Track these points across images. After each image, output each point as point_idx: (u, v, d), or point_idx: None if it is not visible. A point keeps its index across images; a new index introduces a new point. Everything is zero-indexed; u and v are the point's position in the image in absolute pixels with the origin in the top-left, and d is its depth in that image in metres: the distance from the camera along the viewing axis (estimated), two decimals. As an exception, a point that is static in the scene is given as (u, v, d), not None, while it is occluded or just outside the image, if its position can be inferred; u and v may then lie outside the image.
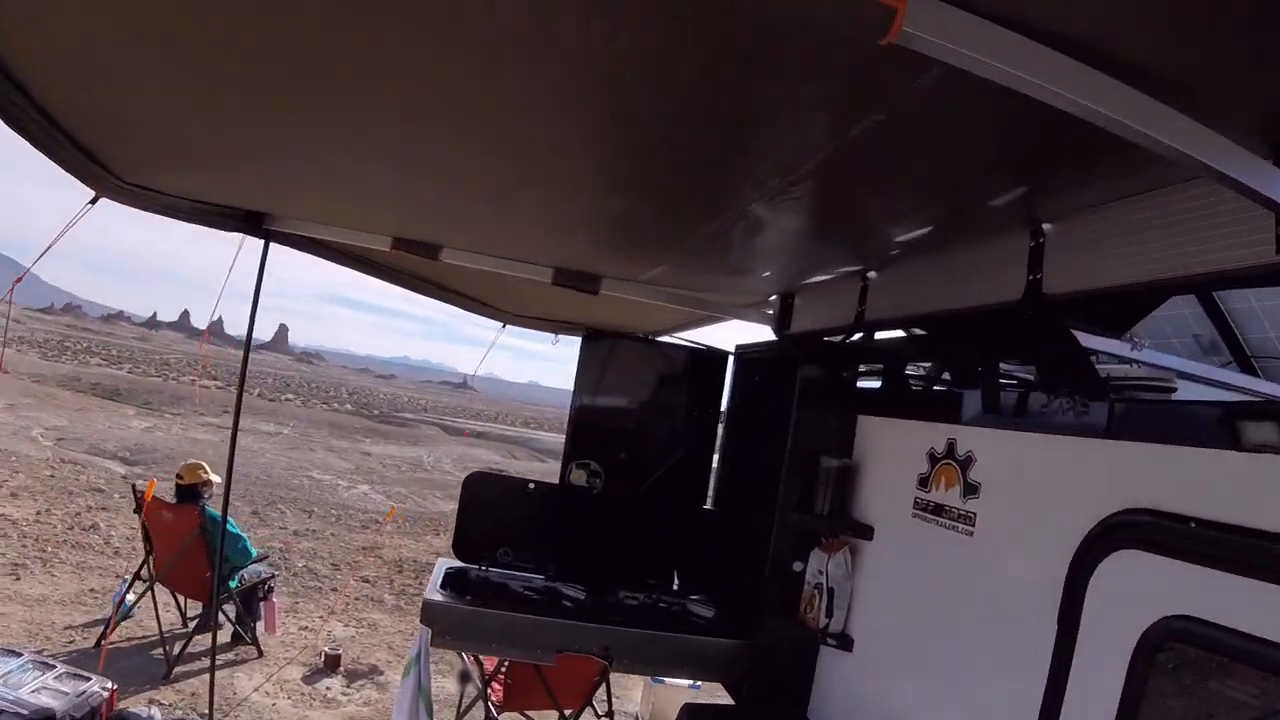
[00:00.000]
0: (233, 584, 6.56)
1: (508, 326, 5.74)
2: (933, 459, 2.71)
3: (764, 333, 4.18)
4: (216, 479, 6.72)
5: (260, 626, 6.90)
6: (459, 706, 5.07)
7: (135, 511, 6.54)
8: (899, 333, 3.34)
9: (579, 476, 4.42)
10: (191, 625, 6.70)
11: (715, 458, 4.54)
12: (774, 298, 4.21)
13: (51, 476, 13.00)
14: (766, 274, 3.74)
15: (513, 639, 3.46)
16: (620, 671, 3.61)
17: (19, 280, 3.91)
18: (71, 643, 6.40)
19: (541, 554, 4.02)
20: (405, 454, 27.60)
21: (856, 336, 3.39)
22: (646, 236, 3.16)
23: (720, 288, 4.18)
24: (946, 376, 3.19)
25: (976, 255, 2.59)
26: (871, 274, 3.26)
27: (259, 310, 4.04)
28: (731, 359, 4.43)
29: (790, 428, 3.28)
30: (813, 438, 3.25)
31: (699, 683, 4.97)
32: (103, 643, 6.26)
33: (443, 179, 2.78)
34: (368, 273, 4.50)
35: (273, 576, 7.17)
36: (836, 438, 3.24)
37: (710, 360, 4.57)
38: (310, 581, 9.74)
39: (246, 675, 6.44)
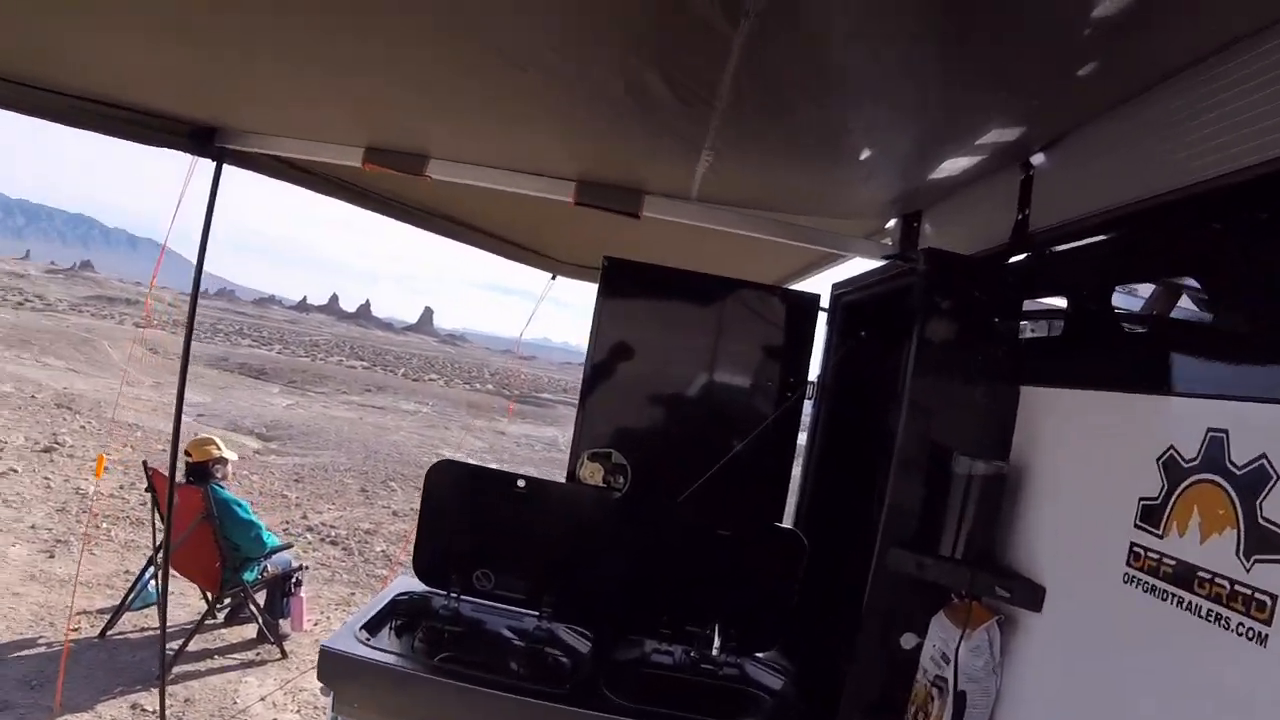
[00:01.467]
0: (249, 576, 5.80)
1: (558, 278, 4.86)
2: (1172, 471, 1.41)
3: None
4: (232, 456, 6.14)
5: (286, 624, 6.15)
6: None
7: (147, 490, 5.97)
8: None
9: (593, 472, 3.17)
10: (221, 617, 6.11)
11: (800, 450, 3.23)
12: (892, 222, 2.99)
13: (164, 450, 12.57)
14: (881, 179, 2.56)
15: (445, 721, 2.33)
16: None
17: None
18: (76, 630, 5.75)
19: (536, 581, 2.85)
20: (541, 434, 27.78)
21: (1015, 260, 2.12)
22: (705, 119, 2.09)
23: (814, 204, 2.99)
24: (1193, 311, 1.86)
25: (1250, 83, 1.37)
26: (1039, 157, 2.05)
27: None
28: (826, 304, 3.13)
29: (904, 404, 2.01)
30: (941, 423, 1.98)
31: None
32: (106, 633, 5.66)
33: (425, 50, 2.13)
34: (347, 199, 3.80)
35: (301, 569, 6.38)
36: (983, 424, 1.95)
37: (793, 306, 3.21)
38: (380, 569, 9.03)
39: (258, 680, 5.62)
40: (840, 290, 3.00)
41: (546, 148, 2.80)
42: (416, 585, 2.92)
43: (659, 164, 2.70)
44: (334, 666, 2.35)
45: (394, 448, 18.75)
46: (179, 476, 5.81)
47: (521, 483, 2.87)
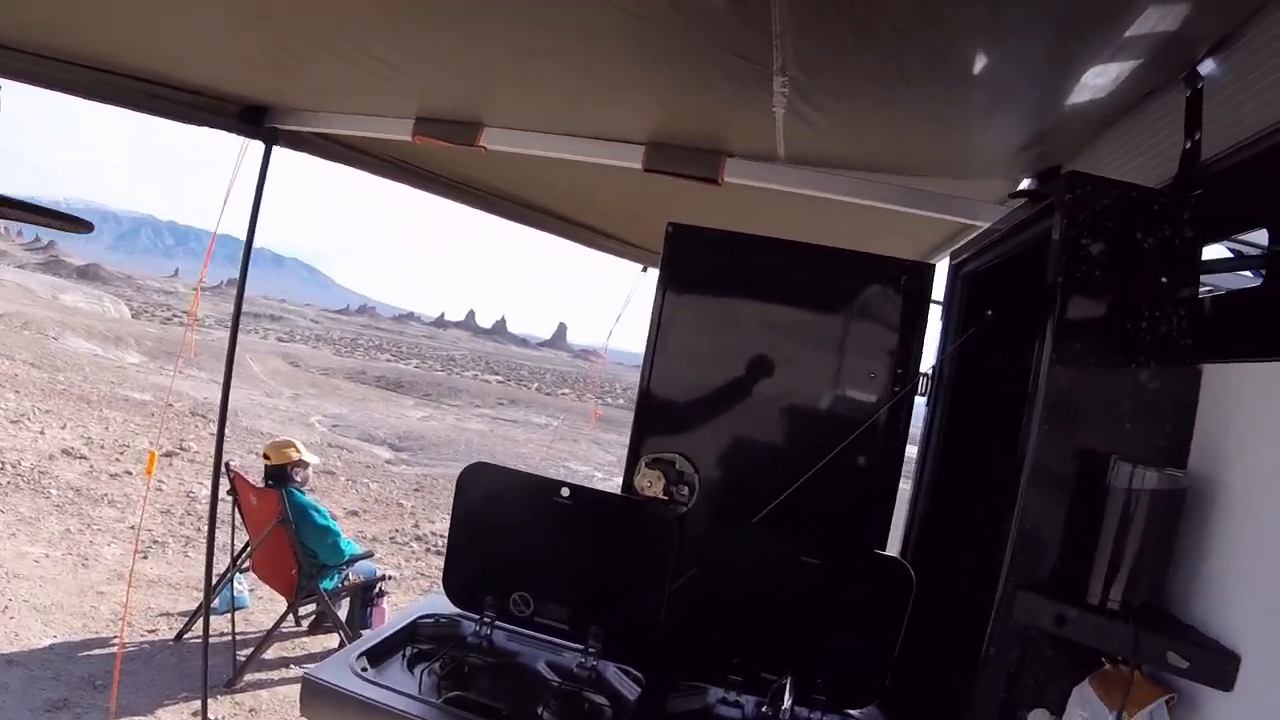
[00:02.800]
0: (328, 584, 5.63)
1: (649, 270, 4.53)
2: None
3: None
4: (314, 459, 5.99)
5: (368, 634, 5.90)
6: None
7: (229, 494, 5.83)
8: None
9: (651, 482, 2.66)
10: (305, 624, 6.04)
11: (911, 461, 2.67)
12: (1027, 182, 2.48)
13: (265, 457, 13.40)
14: (1010, 117, 2.12)
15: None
16: None
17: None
18: (153, 632, 5.73)
19: (582, 609, 2.42)
20: None
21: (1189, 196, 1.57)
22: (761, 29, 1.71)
23: (926, 162, 2.56)
24: None
25: None
26: (1208, 65, 1.55)
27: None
28: (945, 276, 2.57)
29: (1039, 394, 1.50)
30: (1093, 419, 1.47)
31: None
32: (182, 636, 5.61)
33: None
34: (397, 178, 3.67)
35: (386, 578, 6.18)
36: (1152, 420, 1.44)
37: (902, 279, 2.60)
38: (476, 583, 8.90)
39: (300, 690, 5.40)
40: (960, 258, 2.45)
41: (611, 103, 2.50)
42: (446, 607, 2.54)
43: (736, 115, 2.35)
44: (316, 699, 2.00)
45: (521, 459, 19.08)
46: (258, 480, 5.80)
47: (565, 491, 2.43)
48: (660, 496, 2.66)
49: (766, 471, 2.56)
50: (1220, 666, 1.22)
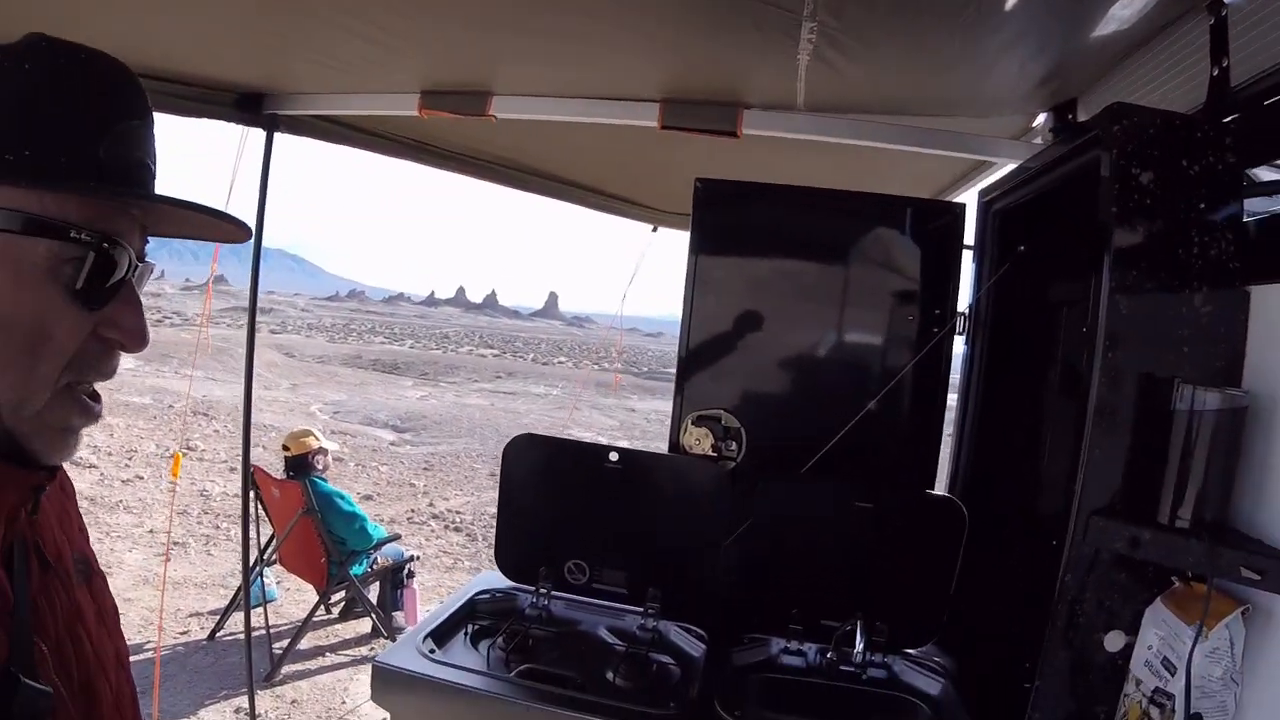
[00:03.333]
0: (357, 570, 5.74)
1: (659, 229, 4.57)
2: None
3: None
4: (332, 446, 6.14)
5: (400, 617, 6.07)
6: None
7: (250, 488, 5.93)
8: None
9: (699, 439, 2.70)
10: (336, 612, 6.19)
11: (952, 400, 2.71)
12: (1042, 117, 2.56)
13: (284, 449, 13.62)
14: (1027, 52, 2.13)
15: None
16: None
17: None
18: (185, 633, 5.85)
19: (639, 572, 2.48)
20: (670, 408, 28.49)
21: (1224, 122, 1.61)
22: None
23: (943, 103, 2.57)
24: None
25: None
26: None
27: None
28: (975, 213, 2.58)
29: (1098, 328, 1.53)
30: (1152, 346, 1.51)
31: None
32: (215, 634, 5.73)
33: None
34: (403, 156, 3.64)
35: (412, 559, 6.29)
36: (1207, 343, 1.47)
37: (932, 220, 2.64)
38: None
39: (369, 678, 5.45)
40: (990, 196, 2.47)
41: (623, 61, 2.48)
42: (501, 581, 2.59)
43: (756, 65, 2.32)
44: (389, 685, 2.05)
45: (524, 430, 19.38)
46: (279, 473, 5.86)
47: (614, 456, 2.48)
48: (709, 453, 2.70)
49: (812, 420, 2.58)
50: None
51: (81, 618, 1.00)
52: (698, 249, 2.72)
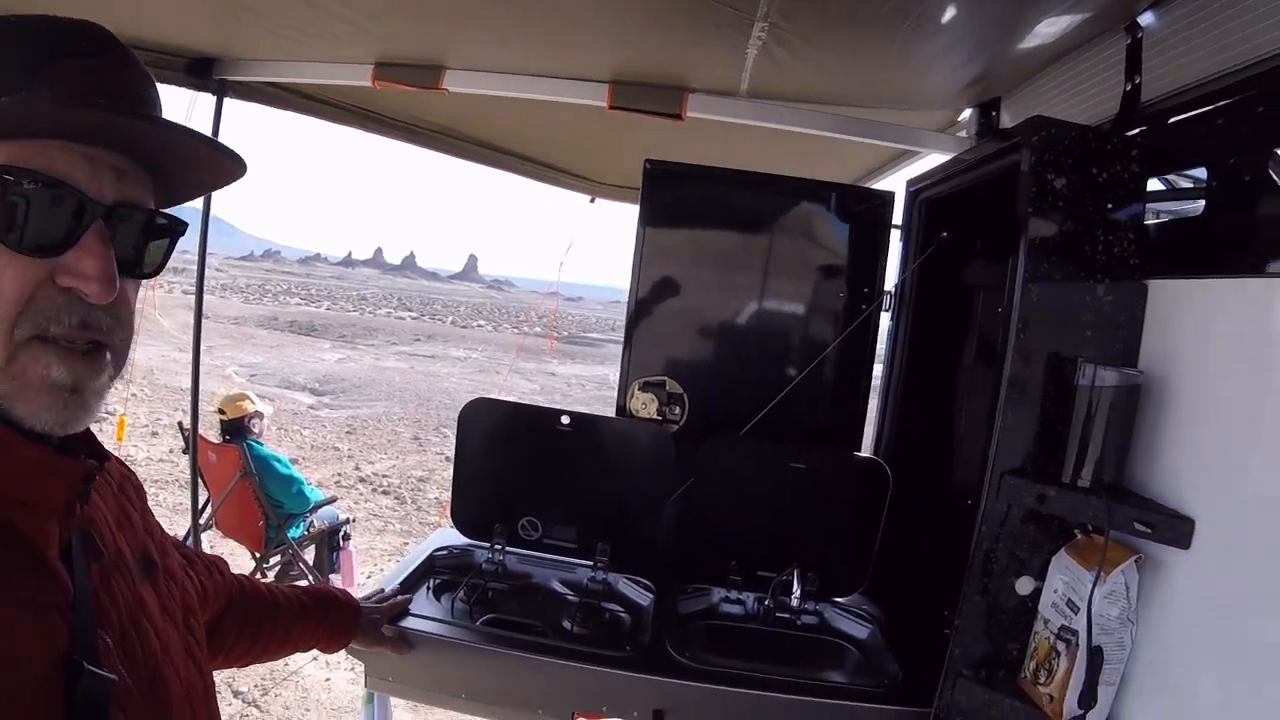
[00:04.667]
0: (294, 533, 5.80)
1: (597, 201, 4.68)
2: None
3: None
4: (266, 409, 6.19)
5: (337, 579, 6.09)
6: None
7: (184, 452, 5.98)
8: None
9: (645, 404, 2.89)
10: (271, 575, 6.12)
11: (877, 371, 2.91)
12: (968, 113, 2.72)
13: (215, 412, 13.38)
14: (959, 57, 2.30)
15: (491, 691, 2.14)
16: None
17: None
18: None
19: (588, 528, 2.63)
20: (591, 373, 29.00)
21: (1131, 134, 1.84)
22: None
23: (877, 96, 2.75)
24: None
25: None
26: (1147, 17, 1.82)
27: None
28: (901, 201, 2.78)
29: (1012, 311, 1.73)
30: (1058, 328, 1.70)
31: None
32: None
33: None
34: (354, 125, 3.66)
35: (349, 522, 6.35)
36: (1108, 328, 1.67)
37: (863, 206, 2.84)
38: (434, 516, 9.19)
39: (312, 640, 5.57)
40: (917, 185, 2.67)
41: (577, 46, 2.58)
42: (457, 539, 2.72)
43: (705, 52, 2.44)
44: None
45: (446, 394, 19.35)
46: (215, 436, 5.84)
47: (566, 419, 2.62)
48: (654, 417, 2.88)
49: (750, 387, 2.77)
50: (1179, 529, 1.46)
51: (145, 611, 1.02)
52: (645, 224, 2.86)
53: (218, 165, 0.96)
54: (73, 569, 0.91)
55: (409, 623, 2.16)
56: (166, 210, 0.96)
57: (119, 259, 0.88)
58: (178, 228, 0.96)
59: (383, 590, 2.28)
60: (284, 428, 12.41)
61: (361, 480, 10.40)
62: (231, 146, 0.92)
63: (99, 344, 0.88)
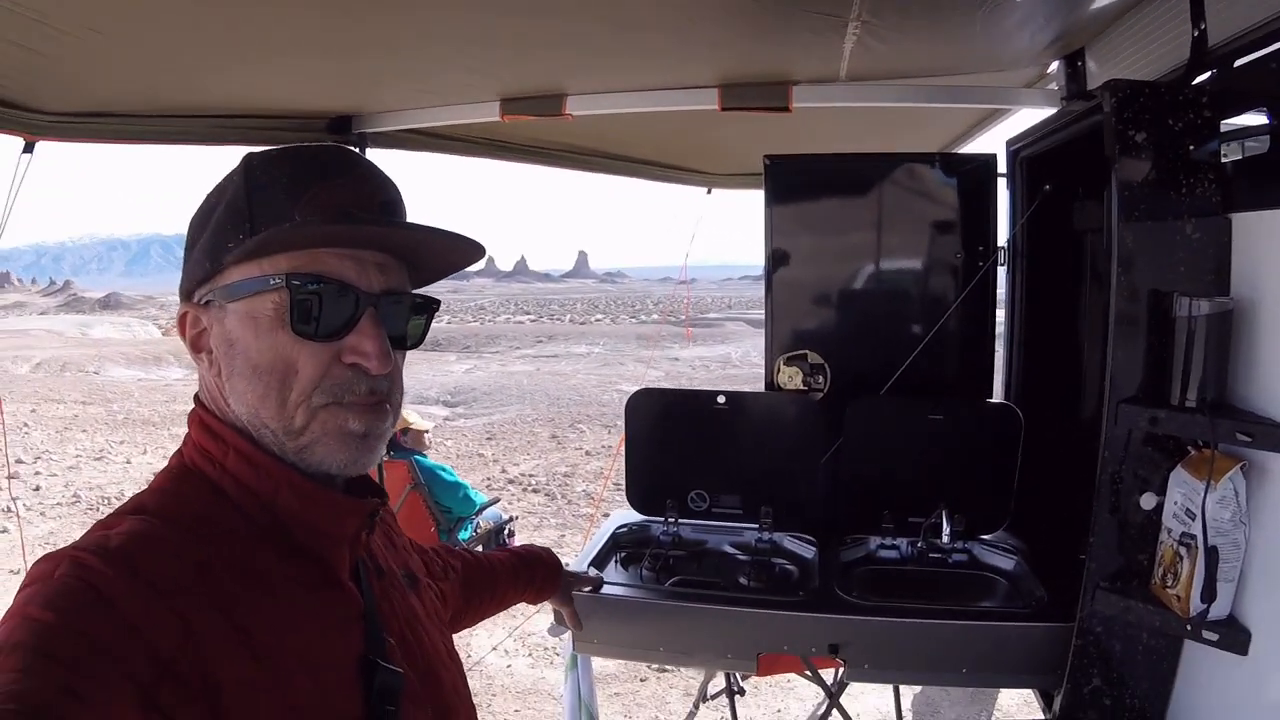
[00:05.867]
0: (463, 535, 6.26)
1: (714, 191, 4.86)
2: None
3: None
4: (427, 426, 6.72)
5: None
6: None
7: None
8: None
9: (790, 377, 3.18)
10: None
11: (999, 320, 3.17)
12: (1055, 64, 2.82)
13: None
14: (1039, 19, 2.43)
15: (684, 642, 2.48)
16: (862, 681, 2.52)
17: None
18: None
19: (751, 495, 2.96)
20: (713, 353, 28.91)
21: (1200, 80, 2.00)
22: None
23: (968, 63, 2.87)
24: None
25: None
26: None
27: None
28: (1004, 163, 3.02)
29: (1113, 254, 1.94)
30: (1155, 267, 1.90)
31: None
32: None
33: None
34: (482, 155, 3.88)
35: (512, 519, 6.84)
36: (1198, 261, 1.87)
37: (968, 171, 3.07)
38: (585, 508, 9.54)
39: (487, 632, 6.06)
40: (1016, 145, 2.88)
41: (686, 58, 2.76)
42: (633, 516, 3.07)
43: (804, 50, 2.62)
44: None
45: (575, 391, 19.92)
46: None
47: (722, 399, 2.96)
48: (800, 388, 3.17)
49: (884, 349, 3.04)
50: (1276, 436, 1.66)
51: (416, 618, 1.22)
52: (771, 215, 3.17)
53: (459, 251, 1.14)
54: (360, 586, 1.11)
55: (614, 590, 2.51)
56: (421, 290, 1.15)
57: (390, 336, 1.05)
58: (432, 305, 1.15)
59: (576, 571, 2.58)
60: (431, 445, 12.93)
61: (510, 482, 10.91)
62: (468, 235, 1.10)
63: (380, 400, 1.06)
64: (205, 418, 1.07)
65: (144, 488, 1.06)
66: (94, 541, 0.90)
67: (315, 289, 0.99)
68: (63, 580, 0.85)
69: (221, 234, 1.03)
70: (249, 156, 1.07)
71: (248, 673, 0.90)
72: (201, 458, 1.06)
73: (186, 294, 1.08)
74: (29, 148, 2.53)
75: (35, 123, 2.47)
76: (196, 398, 1.12)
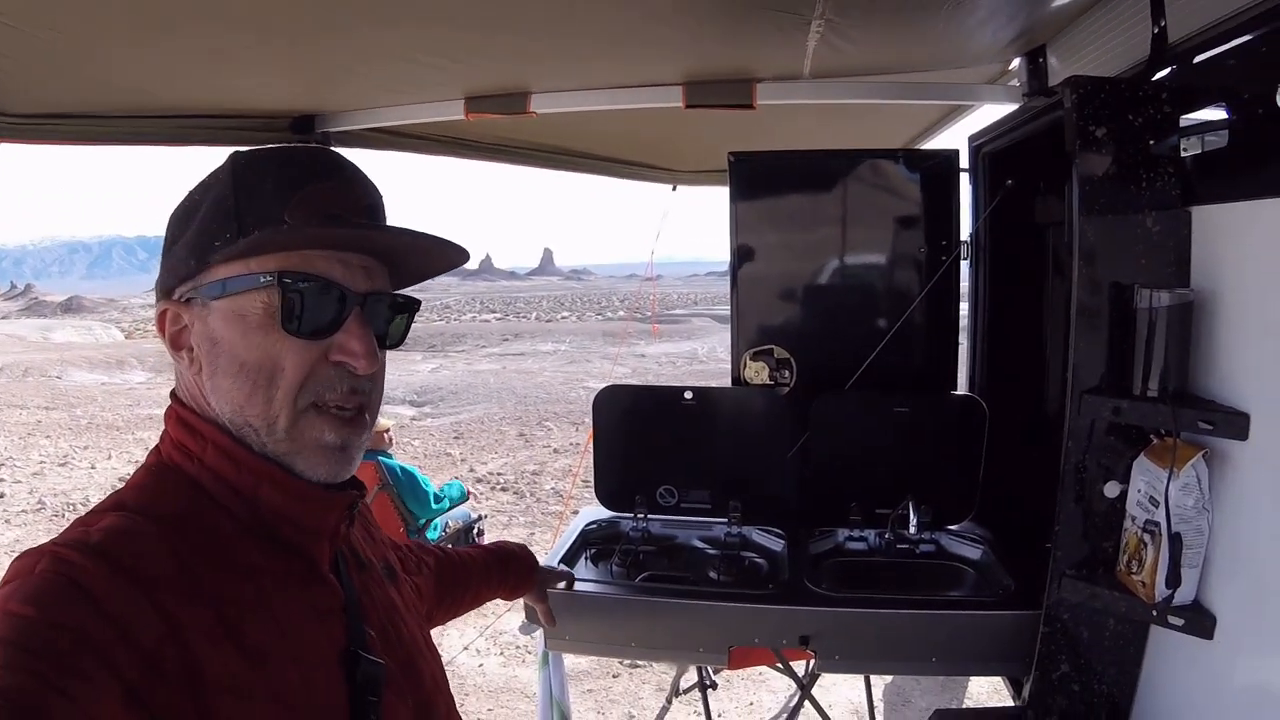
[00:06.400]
0: (432, 535, 6.26)
1: (679, 188, 4.86)
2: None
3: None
4: (387, 424, 6.75)
5: None
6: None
7: None
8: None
9: (757, 372, 3.20)
10: None
11: (963, 314, 3.20)
12: (1017, 61, 2.87)
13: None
14: (1001, 16, 2.46)
15: (656, 638, 2.49)
16: (833, 671, 2.53)
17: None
18: None
19: (719, 489, 2.97)
20: (679, 349, 28.94)
21: (1160, 76, 2.02)
22: None
23: (931, 59, 2.91)
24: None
25: None
26: None
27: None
28: (966, 158, 3.04)
29: (1074, 246, 1.97)
30: (1115, 260, 1.94)
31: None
32: None
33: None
34: (448, 154, 3.87)
35: (481, 518, 6.83)
36: (1159, 254, 1.91)
37: (932, 167, 3.11)
38: (554, 506, 9.52)
39: (458, 631, 6.03)
40: (979, 141, 2.92)
41: (650, 56, 2.77)
42: (603, 513, 3.07)
43: (768, 48, 2.63)
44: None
45: (542, 389, 19.84)
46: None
47: (689, 394, 2.96)
48: (767, 382, 3.20)
49: (849, 344, 3.07)
50: (1236, 423, 1.69)
51: (395, 609, 1.23)
52: (735, 212, 3.18)
53: (443, 256, 1.17)
54: (341, 579, 1.13)
55: (584, 587, 2.51)
56: (402, 291, 1.17)
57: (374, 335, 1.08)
58: (413, 305, 1.16)
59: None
60: (394, 442, 12.91)
61: (479, 481, 10.85)
62: (454, 241, 1.12)
63: (360, 407, 1.08)
64: (183, 414, 1.08)
65: (120, 486, 1.05)
66: (74, 537, 0.90)
67: (305, 287, 1.01)
68: (43, 575, 0.84)
69: (207, 232, 1.04)
70: (235, 155, 1.08)
71: (232, 666, 0.90)
72: (179, 454, 1.06)
73: (166, 291, 1.08)
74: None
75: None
76: (174, 394, 1.12)
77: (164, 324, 1.07)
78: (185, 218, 1.07)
